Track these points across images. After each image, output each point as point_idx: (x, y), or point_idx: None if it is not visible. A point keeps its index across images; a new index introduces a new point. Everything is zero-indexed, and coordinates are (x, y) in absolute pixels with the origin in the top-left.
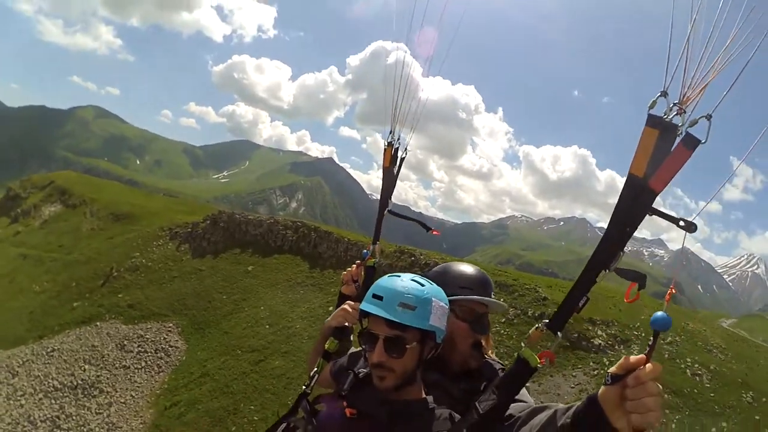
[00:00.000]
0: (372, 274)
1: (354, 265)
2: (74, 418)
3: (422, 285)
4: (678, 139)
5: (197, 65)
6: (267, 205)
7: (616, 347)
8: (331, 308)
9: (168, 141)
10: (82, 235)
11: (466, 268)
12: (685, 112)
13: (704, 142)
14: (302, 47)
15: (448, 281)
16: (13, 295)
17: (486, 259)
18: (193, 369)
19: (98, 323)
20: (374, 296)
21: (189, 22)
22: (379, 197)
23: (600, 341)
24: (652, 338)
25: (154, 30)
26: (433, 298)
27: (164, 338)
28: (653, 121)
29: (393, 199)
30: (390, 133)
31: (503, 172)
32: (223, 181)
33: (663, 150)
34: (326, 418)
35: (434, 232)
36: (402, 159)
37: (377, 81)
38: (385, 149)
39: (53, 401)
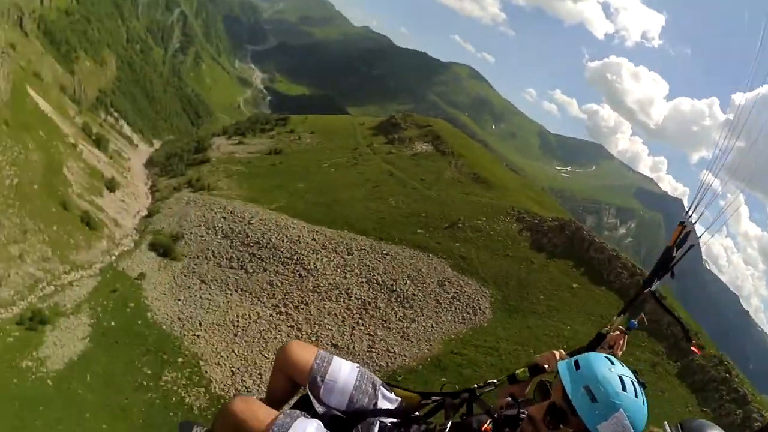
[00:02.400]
0: (598, 339)
1: (617, 332)
2: (381, 310)
3: (624, 389)
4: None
5: (572, 55)
6: (596, 217)
7: None
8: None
9: (526, 118)
10: (443, 179)
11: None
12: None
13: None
14: (686, 66)
15: None
16: (373, 198)
17: None
18: (487, 338)
19: (430, 255)
20: (576, 362)
21: (573, 11)
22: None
23: None
24: None
25: (537, 11)
26: (621, 410)
27: (478, 300)
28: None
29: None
30: (687, 213)
31: None
32: (564, 175)
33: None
34: (468, 421)
35: (694, 349)
36: (691, 247)
37: (763, 134)
38: (677, 227)
39: (370, 290)
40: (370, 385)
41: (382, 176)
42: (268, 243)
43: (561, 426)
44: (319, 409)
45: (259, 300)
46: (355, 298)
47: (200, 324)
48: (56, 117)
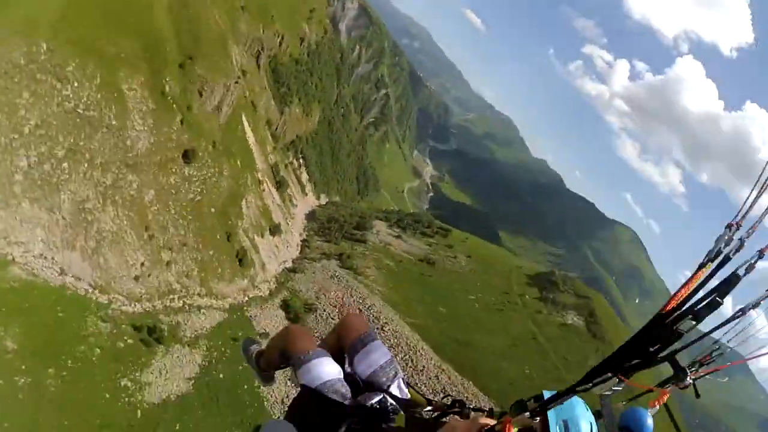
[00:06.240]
0: None
1: None
2: None
3: None
4: None
5: None
6: None
7: None
8: None
9: None
10: (585, 366)
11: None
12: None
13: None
14: None
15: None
16: (508, 357)
17: None
18: None
19: None
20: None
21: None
22: None
23: None
24: None
25: (718, 192)
26: None
27: None
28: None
29: None
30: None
31: None
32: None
33: None
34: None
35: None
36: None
37: None
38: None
39: None
40: (393, 372)
41: (525, 336)
42: None
43: None
44: (347, 368)
45: None
46: None
47: None
48: (256, 150)
